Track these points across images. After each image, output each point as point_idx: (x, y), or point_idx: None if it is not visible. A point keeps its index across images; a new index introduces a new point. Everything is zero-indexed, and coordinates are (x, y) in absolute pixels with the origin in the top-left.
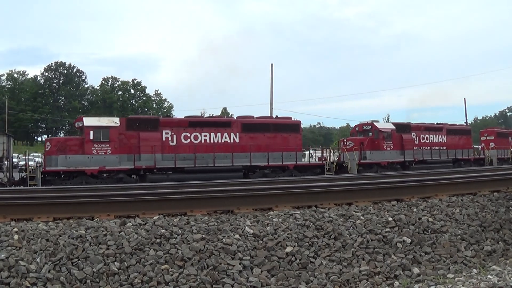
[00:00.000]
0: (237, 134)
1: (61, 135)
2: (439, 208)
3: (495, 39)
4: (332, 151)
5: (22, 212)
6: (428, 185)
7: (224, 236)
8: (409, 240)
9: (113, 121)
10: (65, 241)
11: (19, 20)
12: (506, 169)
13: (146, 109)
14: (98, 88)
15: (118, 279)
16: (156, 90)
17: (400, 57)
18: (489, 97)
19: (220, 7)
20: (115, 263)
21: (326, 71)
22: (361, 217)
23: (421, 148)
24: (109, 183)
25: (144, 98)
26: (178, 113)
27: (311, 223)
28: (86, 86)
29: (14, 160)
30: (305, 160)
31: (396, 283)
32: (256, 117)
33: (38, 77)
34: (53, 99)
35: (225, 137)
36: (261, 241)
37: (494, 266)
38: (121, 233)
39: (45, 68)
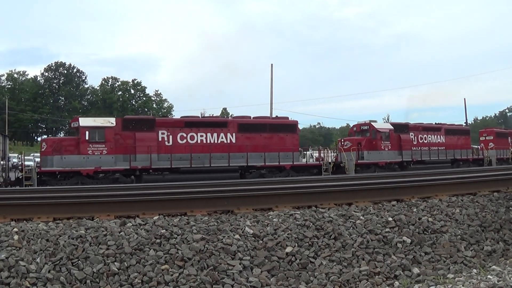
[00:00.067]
0: (234, 134)
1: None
2: (439, 208)
3: (495, 39)
4: (332, 151)
5: (22, 212)
6: (428, 185)
7: (224, 236)
8: (409, 240)
9: (109, 121)
10: (65, 241)
11: (19, 20)
12: (506, 169)
13: (146, 109)
14: (98, 88)
15: (118, 279)
16: (156, 90)
17: (400, 57)
18: (489, 97)
19: (220, 7)
20: (115, 263)
21: (326, 71)
22: (361, 217)
23: (419, 148)
24: (105, 184)
25: (144, 99)
26: (178, 113)
27: (311, 223)
28: (86, 86)
29: (15, 160)
30: (305, 160)
31: (396, 283)
32: (253, 117)
33: (38, 77)
34: (53, 99)
35: (222, 137)
36: (261, 241)
37: (494, 266)
38: (121, 233)
39: (45, 68)
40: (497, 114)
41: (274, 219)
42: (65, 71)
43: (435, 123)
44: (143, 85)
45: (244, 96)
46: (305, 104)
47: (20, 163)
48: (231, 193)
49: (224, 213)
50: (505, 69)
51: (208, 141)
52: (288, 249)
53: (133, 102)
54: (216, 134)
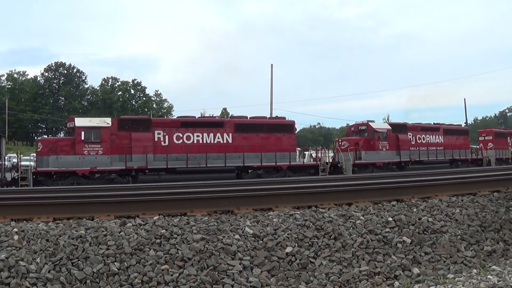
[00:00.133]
0: (230, 134)
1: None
2: (439, 208)
3: (495, 39)
4: (330, 151)
5: (22, 212)
6: (428, 185)
7: (224, 237)
8: (409, 240)
9: (105, 121)
10: (65, 241)
11: (19, 20)
12: (506, 169)
13: (146, 110)
14: (98, 88)
15: (118, 279)
16: (156, 91)
17: (400, 57)
18: (489, 97)
19: (220, 7)
20: (115, 263)
21: (326, 71)
22: (361, 217)
23: (417, 148)
24: (100, 184)
25: (144, 99)
26: (178, 113)
27: (311, 223)
28: (86, 86)
29: (15, 160)
30: (305, 161)
31: (396, 283)
32: (250, 117)
33: (38, 77)
34: (53, 99)
35: (218, 137)
36: (261, 241)
37: (494, 266)
38: (121, 233)
39: (45, 68)
40: (497, 114)
41: (274, 219)
42: (65, 71)
43: (434, 123)
44: (143, 85)
45: (244, 96)
46: (305, 104)
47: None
48: (231, 193)
49: (224, 213)
50: (505, 69)
51: (205, 141)
52: (288, 249)
53: (133, 102)
54: (212, 134)
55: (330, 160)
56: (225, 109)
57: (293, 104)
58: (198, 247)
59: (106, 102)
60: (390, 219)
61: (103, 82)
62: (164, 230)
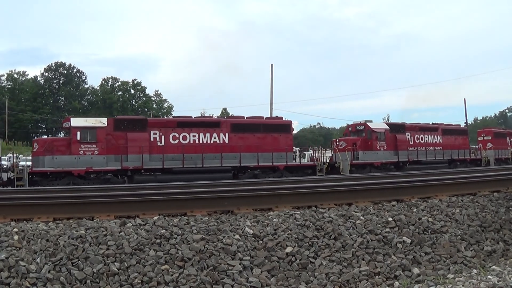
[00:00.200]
0: (227, 134)
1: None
2: (439, 208)
3: (495, 39)
4: (329, 151)
5: (22, 212)
6: (428, 186)
7: (224, 237)
8: (409, 241)
9: (100, 121)
10: (65, 241)
11: (19, 20)
12: (506, 170)
13: (146, 110)
14: (98, 88)
15: (118, 279)
16: (156, 91)
17: (400, 57)
18: (489, 97)
19: (220, 7)
20: (115, 263)
21: (326, 71)
22: (361, 217)
23: (415, 148)
24: (96, 184)
25: (144, 99)
26: (178, 114)
27: (311, 224)
28: (86, 86)
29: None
30: (305, 161)
31: (396, 283)
32: (246, 117)
33: (38, 77)
34: (53, 99)
35: (214, 138)
36: (261, 242)
37: (494, 267)
38: (121, 233)
39: (45, 68)
40: (497, 114)
41: (274, 219)
42: (65, 71)
43: (432, 123)
44: (143, 85)
45: (244, 96)
46: (305, 104)
47: (20, 163)
48: (231, 193)
49: (224, 213)
50: (505, 69)
51: (201, 141)
52: (288, 249)
53: (133, 102)
54: (209, 134)
55: (328, 160)
56: (225, 109)
57: (293, 104)
58: (198, 247)
59: (106, 102)
60: (390, 219)
61: (103, 82)
62: (164, 230)
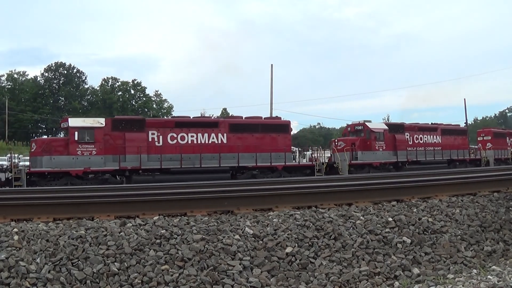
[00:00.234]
0: (225, 134)
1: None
2: (439, 208)
3: (495, 39)
4: (327, 151)
5: (22, 212)
6: (428, 186)
7: (224, 237)
8: (409, 241)
9: (98, 121)
10: (65, 241)
11: (19, 20)
12: (506, 170)
13: (146, 110)
14: (98, 88)
15: (118, 279)
16: (156, 91)
17: (400, 57)
18: (489, 97)
19: (220, 7)
20: (115, 263)
21: (326, 71)
22: (361, 217)
23: (414, 148)
24: (94, 184)
25: (144, 99)
26: (178, 114)
27: (311, 224)
28: (86, 86)
29: (15, 160)
30: (305, 161)
31: (396, 283)
32: (245, 117)
33: (38, 77)
34: (53, 99)
35: (213, 138)
36: (261, 242)
37: (494, 267)
38: (121, 233)
39: (45, 68)
40: (497, 114)
41: (274, 220)
42: (65, 72)
43: (431, 123)
44: (143, 85)
45: (244, 96)
46: (305, 104)
47: (20, 163)
48: (231, 193)
49: (224, 213)
50: (505, 69)
51: (199, 142)
52: (288, 250)
53: (133, 103)
54: (207, 134)
55: (326, 161)
56: (225, 109)
57: (293, 104)
58: (198, 247)
59: (106, 102)
60: (390, 219)
61: (103, 82)
62: (164, 230)
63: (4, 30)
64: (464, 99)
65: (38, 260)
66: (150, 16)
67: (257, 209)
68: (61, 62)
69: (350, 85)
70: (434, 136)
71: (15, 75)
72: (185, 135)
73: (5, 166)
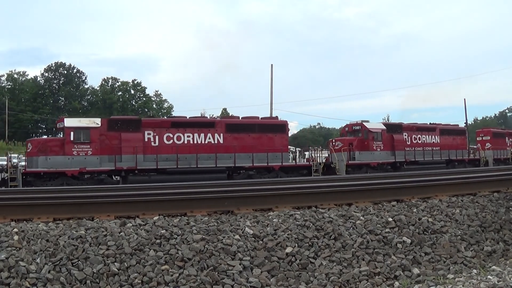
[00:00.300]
0: (221, 134)
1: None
2: (439, 208)
3: (495, 39)
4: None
5: (22, 212)
6: (428, 186)
7: (224, 237)
8: (409, 241)
9: (94, 122)
10: (65, 241)
11: (19, 20)
12: (506, 170)
13: (146, 110)
14: (98, 88)
15: (118, 279)
16: (156, 91)
17: (400, 57)
18: (489, 97)
19: (220, 7)
20: (115, 263)
21: (326, 71)
22: (361, 217)
23: (413, 148)
24: (90, 184)
25: (144, 99)
26: (178, 114)
27: (311, 224)
28: (86, 86)
29: (14, 160)
30: (305, 161)
31: (396, 283)
32: (242, 118)
33: (38, 77)
34: (53, 99)
35: (209, 138)
36: (261, 242)
37: (494, 267)
38: (121, 233)
39: (45, 68)
40: (497, 114)
41: (274, 220)
42: (65, 72)
43: (430, 123)
44: (143, 86)
45: (244, 96)
46: (305, 104)
47: (20, 163)
48: (231, 193)
49: (224, 213)
50: (505, 69)
51: (195, 142)
52: (288, 250)
53: (133, 103)
54: (203, 134)
55: (324, 161)
56: (225, 109)
57: (293, 104)
58: (198, 247)
59: (106, 103)
60: (390, 219)
61: (103, 82)
62: (164, 231)
63: (4, 30)
64: (464, 99)
65: (38, 260)
66: (150, 16)
67: (257, 209)
68: (61, 62)
69: (350, 85)
70: (433, 136)
71: (15, 75)
72: (181, 135)
73: (5, 166)
